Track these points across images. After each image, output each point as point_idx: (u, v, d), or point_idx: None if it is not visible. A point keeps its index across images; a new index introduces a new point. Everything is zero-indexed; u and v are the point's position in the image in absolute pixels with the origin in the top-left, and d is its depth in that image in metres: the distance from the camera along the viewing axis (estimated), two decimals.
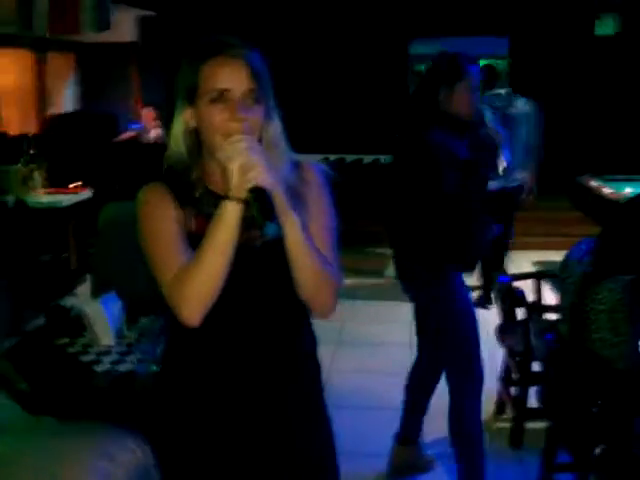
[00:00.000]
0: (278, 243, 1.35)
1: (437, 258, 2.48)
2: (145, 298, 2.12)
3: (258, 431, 1.42)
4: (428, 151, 2.44)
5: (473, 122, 2.60)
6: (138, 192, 1.42)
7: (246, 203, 1.27)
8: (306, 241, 1.34)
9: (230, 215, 1.28)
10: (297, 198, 1.39)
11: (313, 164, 1.48)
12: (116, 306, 2.35)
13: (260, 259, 1.39)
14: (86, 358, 2.16)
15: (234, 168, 1.25)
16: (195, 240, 1.34)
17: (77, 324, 2.35)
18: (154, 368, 2.01)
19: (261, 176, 1.25)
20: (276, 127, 1.41)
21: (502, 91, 5.76)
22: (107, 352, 2.19)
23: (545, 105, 5.22)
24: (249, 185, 1.25)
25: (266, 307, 1.41)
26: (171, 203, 1.39)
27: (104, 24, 5.52)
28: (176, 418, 1.44)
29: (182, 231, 1.37)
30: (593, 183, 5.14)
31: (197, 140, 1.39)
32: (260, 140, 1.37)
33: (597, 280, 2.29)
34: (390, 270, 5.81)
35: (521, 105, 5.59)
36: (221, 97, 1.33)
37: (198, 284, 1.29)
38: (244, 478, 1.43)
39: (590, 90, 7.79)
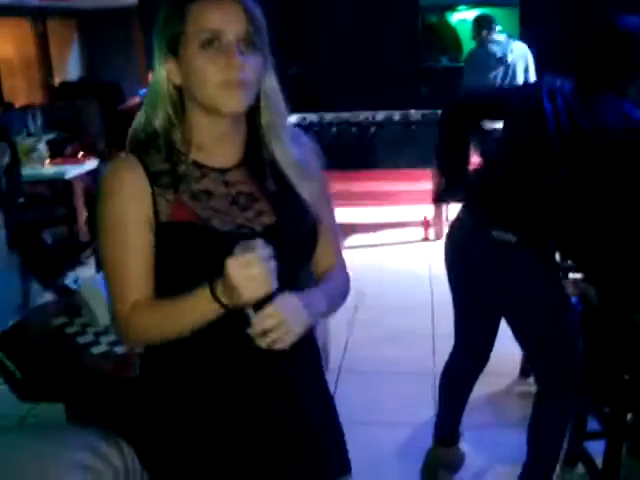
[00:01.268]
0: (283, 225, 1.21)
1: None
2: None
3: (255, 430, 1.25)
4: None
5: None
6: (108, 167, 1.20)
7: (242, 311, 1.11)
8: (325, 309, 1.25)
9: (214, 315, 1.12)
10: (305, 175, 1.25)
11: (308, 141, 1.32)
12: None
13: None
14: (83, 340, 2.05)
15: (242, 279, 1.05)
16: (169, 230, 1.16)
17: (75, 303, 2.24)
18: None
19: (270, 289, 1.09)
20: (274, 80, 1.23)
21: (500, 37, 5.61)
22: (105, 332, 2.07)
23: (560, 50, 4.93)
24: (255, 299, 1.08)
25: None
26: (146, 189, 1.17)
27: None
28: (165, 415, 1.27)
29: (151, 236, 1.17)
30: None
31: (180, 101, 1.19)
32: (258, 95, 1.20)
33: None
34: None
35: (519, 50, 5.45)
36: (213, 41, 1.13)
37: (158, 334, 1.19)
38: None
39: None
